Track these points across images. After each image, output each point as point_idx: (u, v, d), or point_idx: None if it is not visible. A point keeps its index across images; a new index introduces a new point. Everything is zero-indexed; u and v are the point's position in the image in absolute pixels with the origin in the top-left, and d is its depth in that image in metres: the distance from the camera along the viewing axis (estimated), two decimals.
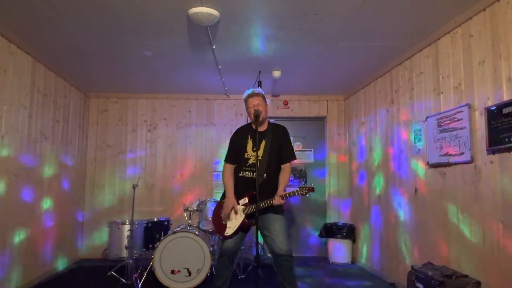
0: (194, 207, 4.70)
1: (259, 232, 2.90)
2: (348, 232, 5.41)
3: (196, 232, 4.08)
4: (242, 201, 3.13)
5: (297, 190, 2.98)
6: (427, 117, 3.64)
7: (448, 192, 3.34)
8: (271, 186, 3.07)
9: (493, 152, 2.79)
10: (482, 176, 2.91)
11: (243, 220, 3.10)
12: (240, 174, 3.19)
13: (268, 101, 3.25)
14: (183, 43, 3.89)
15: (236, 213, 3.12)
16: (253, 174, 3.08)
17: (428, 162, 3.60)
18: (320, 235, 5.65)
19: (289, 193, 2.98)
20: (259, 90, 3.23)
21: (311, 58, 4.37)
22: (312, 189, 2.99)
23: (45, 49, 4.08)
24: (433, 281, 2.91)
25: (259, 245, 2.86)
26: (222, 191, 3.31)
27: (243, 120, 5.91)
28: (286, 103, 6.12)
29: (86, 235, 5.73)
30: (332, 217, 5.90)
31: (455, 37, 3.29)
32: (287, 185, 3.14)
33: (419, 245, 3.77)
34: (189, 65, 4.64)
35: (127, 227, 4.32)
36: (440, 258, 3.39)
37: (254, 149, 3.10)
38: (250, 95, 3.17)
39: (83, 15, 3.28)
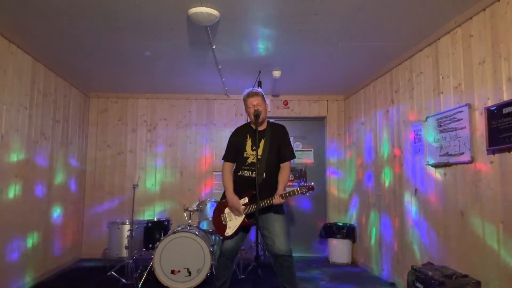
0: (194, 207, 4.70)
1: (259, 232, 2.91)
2: (348, 232, 5.41)
3: (196, 232, 4.08)
4: (242, 201, 3.12)
5: (297, 189, 2.98)
6: (427, 117, 3.64)
7: (448, 192, 3.34)
8: (270, 185, 3.07)
9: (493, 152, 2.79)
10: (482, 176, 2.91)
11: (243, 220, 3.10)
12: (239, 174, 3.19)
13: (267, 100, 3.25)
14: (183, 43, 3.89)
15: (240, 209, 3.12)
16: (252, 173, 3.08)
17: (428, 162, 3.60)
18: (320, 235, 5.65)
19: (288, 192, 2.97)
20: (258, 89, 3.23)
21: (311, 58, 4.37)
22: (312, 188, 2.99)
23: (45, 49, 4.08)
24: (433, 281, 2.91)
25: (259, 245, 2.87)
26: (222, 191, 3.31)
27: (243, 120, 5.91)
28: (286, 103, 6.12)
29: (86, 235, 5.73)
30: (332, 217, 5.90)
31: (455, 37, 3.29)
32: (286, 184, 3.14)
33: (419, 245, 3.77)
34: (189, 65, 4.64)
35: (127, 227, 4.32)
36: (440, 258, 3.39)
37: (253, 148, 3.10)
38: (250, 95, 3.17)
39: (83, 15, 3.28)
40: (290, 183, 5.89)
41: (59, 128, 4.88)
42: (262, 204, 2.97)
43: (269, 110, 3.31)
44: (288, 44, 3.94)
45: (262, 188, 2.97)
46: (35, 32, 3.63)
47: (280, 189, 3.04)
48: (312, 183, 3.05)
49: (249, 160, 3.14)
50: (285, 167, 3.18)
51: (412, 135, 3.95)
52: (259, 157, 3.05)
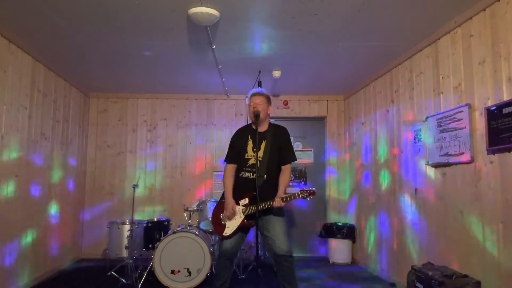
0: (194, 207, 4.70)
1: (259, 232, 2.91)
2: (348, 232, 5.41)
3: (196, 232, 4.08)
4: (242, 202, 3.12)
5: (298, 193, 2.97)
6: (427, 117, 3.64)
7: (448, 192, 3.34)
8: (271, 187, 3.07)
9: (493, 152, 2.79)
10: (482, 176, 2.91)
11: (243, 220, 3.09)
12: (240, 175, 3.19)
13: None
14: (183, 43, 3.89)
15: (235, 213, 3.12)
16: (253, 175, 3.07)
17: (428, 162, 3.60)
18: (320, 235, 5.65)
19: (289, 196, 2.96)
20: (262, 90, 3.25)
21: (311, 58, 4.37)
22: (313, 193, 2.98)
23: (45, 49, 4.08)
24: (433, 281, 2.91)
25: (259, 245, 2.86)
26: (222, 191, 3.31)
27: (243, 120, 5.91)
28: (286, 103, 6.12)
29: (86, 235, 5.73)
30: (332, 217, 5.90)
31: (455, 37, 3.29)
32: (287, 186, 3.13)
33: (419, 245, 3.77)
34: (189, 65, 4.64)
35: (127, 227, 4.32)
36: (440, 258, 3.39)
37: (254, 149, 3.10)
38: (253, 94, 3.21)
39: (83, 15, 3.28)
40: (290, 184, 5.89)
41: (59, 128, 4.88)
42: (263, 206, 2.97)
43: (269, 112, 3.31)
44: (288, 44, 3.94)
45: (263, 189, 2.97)
46: (35, 32, 3.63)
47: (280, 192, 3.03)
48: (314, 188, 3.03)
49: (250, 162, 3.14)
50: (286, 169, 3.17)
51: (412, 135, 3.95)
52: (259, 158, 3.05)
